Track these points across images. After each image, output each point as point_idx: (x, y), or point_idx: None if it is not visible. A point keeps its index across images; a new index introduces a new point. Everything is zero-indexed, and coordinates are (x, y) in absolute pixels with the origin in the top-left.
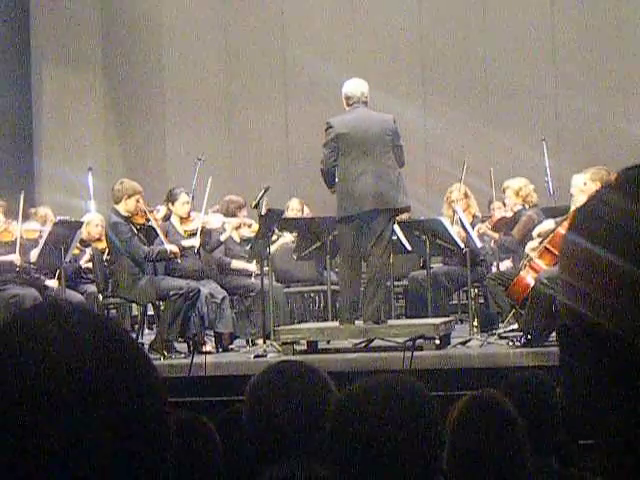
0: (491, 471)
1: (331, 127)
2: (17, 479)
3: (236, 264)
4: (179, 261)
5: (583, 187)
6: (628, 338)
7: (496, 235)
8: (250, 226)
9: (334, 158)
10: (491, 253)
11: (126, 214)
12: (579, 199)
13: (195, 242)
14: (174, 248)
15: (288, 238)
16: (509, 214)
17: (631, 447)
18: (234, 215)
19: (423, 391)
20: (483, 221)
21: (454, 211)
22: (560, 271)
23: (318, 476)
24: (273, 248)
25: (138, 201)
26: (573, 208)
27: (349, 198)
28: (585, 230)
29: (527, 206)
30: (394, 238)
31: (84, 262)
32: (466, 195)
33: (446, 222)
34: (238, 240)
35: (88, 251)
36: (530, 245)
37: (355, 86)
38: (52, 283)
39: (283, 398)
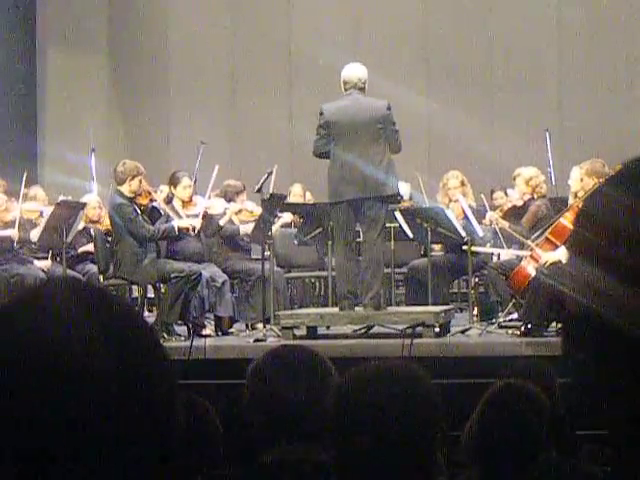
0: (510, 457)
1: (322, 114)
2: (21, 454)
3: (244, 229)
4: (191, 233)
5: (580, 182)
6: (634, 330)
7: (506, 224)
8: (252, 212)
9: (323, 143)
10: (492, 242)
11: (130, 195)
12: (577, 193)
13: (196, 222)
14: (183, 223)
15: (287, 218)
16: (519, 203)
17: (634, 439)
18: (232, 200)
19: (424, 377)
20: (479, 210)
21: (450, 199)
22: (567, 263)
23: (318, 460)
24: (273, 229)
25: (141, 182)
26: (571, 200)
27: (338, 184)
28: (590, 223)
29: (536, 196)
30: (396, 225)
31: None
32: (463, 183)
33: (448, 210)
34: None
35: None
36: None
37: (352, 71)
38: (43, 264)
39: (284, 382)
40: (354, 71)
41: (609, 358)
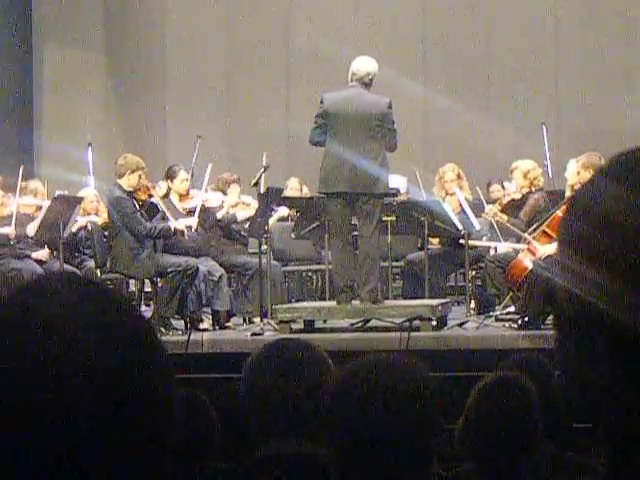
0: (503, 450)
1: (322, 102)
2: (20, 452)
3: (241, 215)
4: (186, 237)
5: (577, 175)
6: (625, 321)
7: (505, 217)
8: (249, 205)
9: (320, 132)
10: (488, 235)
11: (129, 189)
12: (574, 186)
13: (193, 222)
14: (179, 226)
15: (284, 212)
16: (517, 196)
17: (629, 430)
18: (224, 191)
19: (422, 370)
20: (476, 203)
21: (446, 192)
22: (558, 255)
23: (315, 454)
24: (270, 222)
25: (140, 177)
26: (568, 193)
27: (330, 174)
28: (581, 215)
29: (533, 189)
30: (392, 219)
31: (78, 228)
32: (459, 176)
33: (444, 204)
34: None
35: (84, 220)
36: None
37: (362, 64)
38: (41, 254)
39: (281, 375)
40: (364, 65)
41: (601, 350)
